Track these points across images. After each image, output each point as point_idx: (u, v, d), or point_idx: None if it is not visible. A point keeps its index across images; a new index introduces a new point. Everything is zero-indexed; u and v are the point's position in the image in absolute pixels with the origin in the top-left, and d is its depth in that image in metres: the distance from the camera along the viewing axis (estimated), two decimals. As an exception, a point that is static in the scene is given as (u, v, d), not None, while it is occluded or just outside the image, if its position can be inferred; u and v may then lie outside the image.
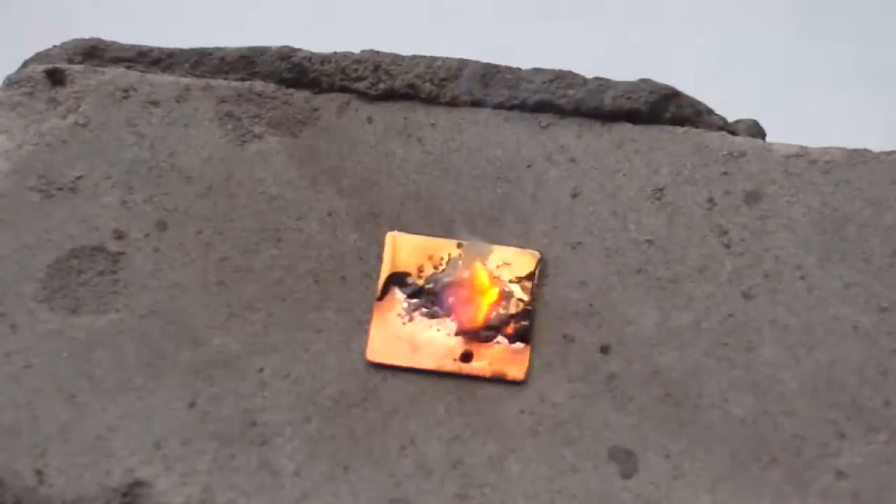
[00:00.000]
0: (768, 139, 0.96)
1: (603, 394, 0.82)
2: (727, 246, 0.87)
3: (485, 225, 0.90)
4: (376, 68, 0.97)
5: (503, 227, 0.89)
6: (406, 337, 0.85)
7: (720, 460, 0.79)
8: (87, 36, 1.02)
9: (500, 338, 0.85)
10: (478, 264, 0.87)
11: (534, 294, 0.86)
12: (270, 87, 0.97)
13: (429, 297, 0.86)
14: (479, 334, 0.85)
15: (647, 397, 0.82)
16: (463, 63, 0.97)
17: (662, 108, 0.95)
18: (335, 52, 0.98)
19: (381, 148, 0.94)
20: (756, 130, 0.97)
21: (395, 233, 0.89)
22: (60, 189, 0.91)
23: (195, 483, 0.79)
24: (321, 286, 0.87)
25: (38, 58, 1.01)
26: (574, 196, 0.91)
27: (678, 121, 0.95)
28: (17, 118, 0.95)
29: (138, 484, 0.79)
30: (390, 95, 0.96)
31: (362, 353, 0.84)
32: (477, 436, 0.81)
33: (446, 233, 0.89)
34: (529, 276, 0.86)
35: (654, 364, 0.83)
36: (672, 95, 0.95)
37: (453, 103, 0.96)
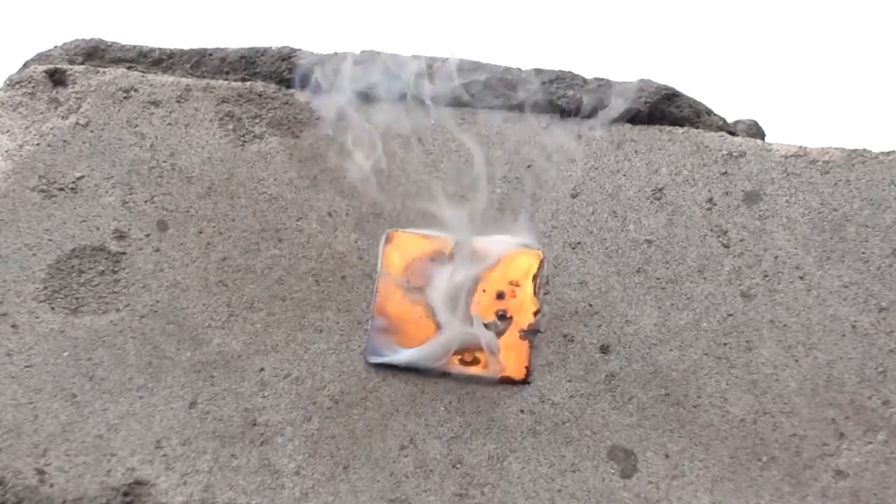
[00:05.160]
0: (768, 139, 0.96)
1: (603, 393, 0.82)
2: (726, 246, 0.88)
3: (485, 225, 0.90)
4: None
5: (503, 228, 0.90)
6: (407, 336, 0.85)
7: (719, 460, 0.79)
8: (87, 36, 1.02)
9: (500, 337, 0.85)
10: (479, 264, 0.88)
11: (536, 293, 0.86)
12: (271, 88, 0.97)
13: (429, 297, 0.87)
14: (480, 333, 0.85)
15: (647, 397, 0.82)
16: (463, 63, 0.97)
17: (662, 108, 0.95)
18: (335, 52, 0.99)
19: (381, 148, 0.94)
20: (756, 130, 0.97)
21: (394, 231, 0.89)
22: (61, 189, 0.92)
23: (196, 482, 0.79)
24: (321, 286, 0.88)
25: (39, 58, 1.01)
26: (574, 196, 0.91)
27: (678, 121, 0.95)
28: (18, 118, 0.95)
29: (139, 483, 0.79)
30: (391, 95, 0.96)
31: (362, 352, 0.84)
32: (477, 435, 0.81)
33: (446, 232, 0.89)
34: (532, 276, 0.87)
35: (653, 364, 0.83)
36: (672, 95, 0.96)
37: (453, 103, 0.96)
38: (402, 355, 0.83)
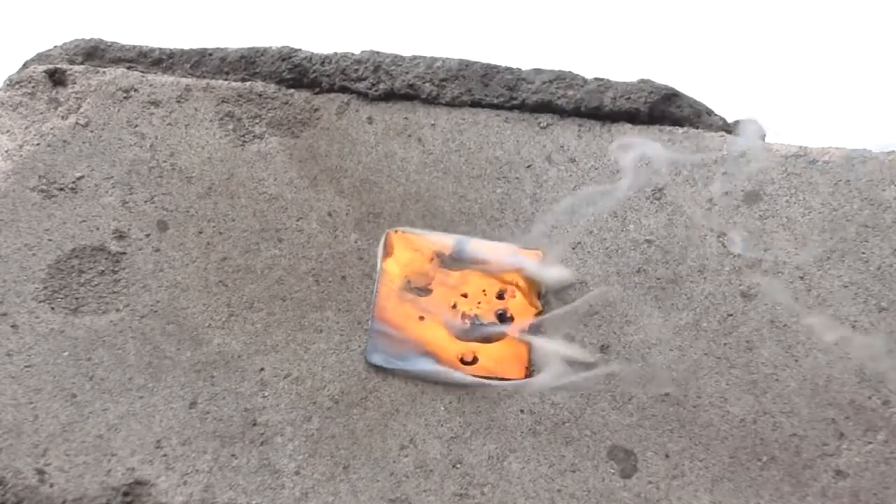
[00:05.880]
0: (768, 139, 0.96)
1: (603, 393, 0.82)
2: (727, 246, 0.88)
3: (485, 225, 0.90)
4: (376, 68, 0.97)
5: (503, 227, 0.90)
6: (407, 336, 0.85)
7: (719, 460, 0.79)
8: (87, 36, 1.02)
9: (501, 337, 0.85)
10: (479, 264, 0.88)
11: (536, 293, 0.86)
12: (271, 88, 0.97)
13: (430, 296, 0.87)
14: (480, 334, 0.85)
15: (647, 397, 0.82)
16: (463, 63, 0.97)
17: (662, 108, 0.95)
18: (335, 53, 0.99)
19: (381, 148, 0.94)
20: (756, 130, 0.97)
21: (394, 231, 0.89)
22: (61, 189, 0.92)
23: (196, 482, 0.79)
24: (321, 286, 0.88)
25: (39, 58, 1.01)
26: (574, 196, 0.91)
27: (678, 121, 0.95)
28: (18, 118, 0.95)
29: (139, 483, 0.79)
30: (390, 95, 0.96)
31: (362, 352, 0.84)
32: (477, 435, 0.81)
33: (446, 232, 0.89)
34: (532, 276, 0.87)
35: (653, 364, 0.83)
36: (672, 95, 0.96)
37: (453, 103, 0.96)
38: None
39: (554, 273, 0.86)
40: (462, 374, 0.83)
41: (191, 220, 0.90)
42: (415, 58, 0.97)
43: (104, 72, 0.97)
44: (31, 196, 0.91)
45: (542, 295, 0.86)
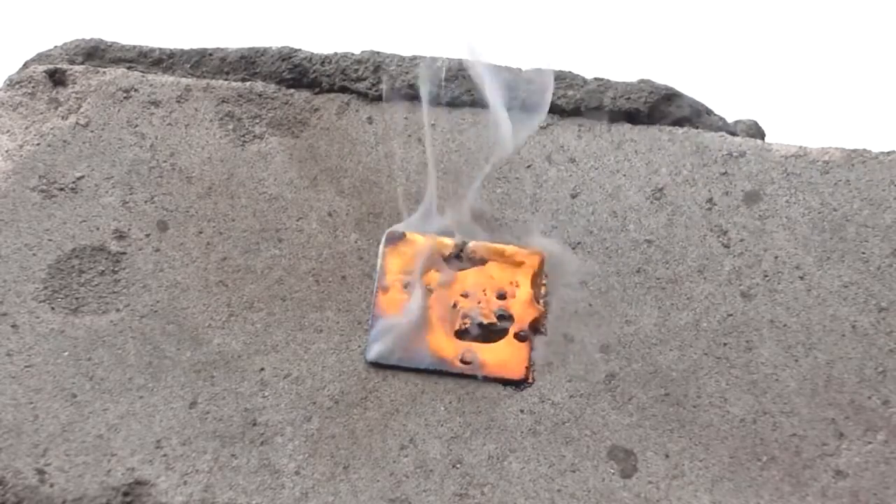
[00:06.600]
0: (768, 139, 0.96)
1: (603, 393, 0.82)
2: (726, 246, 0.88)
3: (485, 225, 0.90)
4: (376, 68, 0.97)
5: (503, 227, 0.90)
6: (406, 336, 0.85)
7: (719, 460, 0.79)
8: (87, 36, 1.02)
9: (501, 337, 0.85)
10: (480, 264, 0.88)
11: (536, 293, 0.86)
12: (271, 88, 0.97)
13: (429, 296, 0.87)
14: (480, 334, 0.85)
15: (647, 397, 0.82)
16: (463, 63, 0.97)
17: (662, 108, 0.95)
18: (335, 53, 0.99)
19: (381, 148, 0.94)
20: (756, 130, 0.97)
21: (394, 229, 0.89)
22: (61, 189, 0.92)
23: (196, 482, 0.79)
24: (321, 286, 0.88)
25: (39, 58, 1.01)
26: (574, 196, 0.91)
27: (678, 121, 0.95)
28: (18, 118, 0.95)
29: (139, 483, 0.79)
30: (390, 95, 0.96)
31: (362, 352, 0.84)
32: (477, 435, 0.81)
33: (446, 232, 0.89)
34: (533, 276, 0.87)
35: (653, 364, 0.83)
36: (672, 95, 0.96)
37: (453, 103, 0.96)
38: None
39: (558, 270, 0.87)
40: (461, 367, 0.83)
41: (191, 220, 0.90)
42: (415, 58, 0.97)
43: (104, 72, 0.97)
44: (31, 196, 0.91)
45: (542, 295, 0.86)
